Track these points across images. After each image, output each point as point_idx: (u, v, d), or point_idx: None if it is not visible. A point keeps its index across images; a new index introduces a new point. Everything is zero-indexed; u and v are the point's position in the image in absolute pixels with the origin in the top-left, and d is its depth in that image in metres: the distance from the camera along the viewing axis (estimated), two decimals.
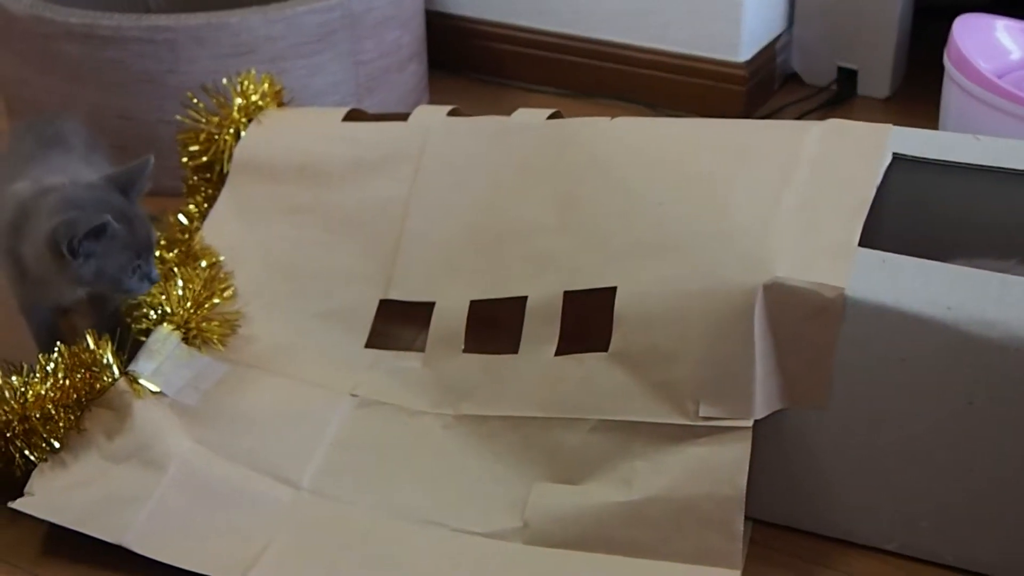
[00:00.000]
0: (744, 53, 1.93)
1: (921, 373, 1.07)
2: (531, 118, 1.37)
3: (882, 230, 1.16)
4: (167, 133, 1.72)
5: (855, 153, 1.22)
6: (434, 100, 2.00)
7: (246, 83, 1.47)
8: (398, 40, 1.89)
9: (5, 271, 1.30)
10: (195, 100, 1.47)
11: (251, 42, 1.70)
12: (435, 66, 2.05)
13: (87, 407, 1.22)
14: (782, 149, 1.23)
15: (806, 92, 2.00)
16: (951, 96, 1.66)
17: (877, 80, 1.97)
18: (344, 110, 1.46)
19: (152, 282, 1.25)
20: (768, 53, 1.98)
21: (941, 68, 1.67)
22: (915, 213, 1.25)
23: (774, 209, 1.16)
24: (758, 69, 1.95)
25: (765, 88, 1.99)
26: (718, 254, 1.14)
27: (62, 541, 1.17)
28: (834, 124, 1.27)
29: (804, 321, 1.08)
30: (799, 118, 1.91)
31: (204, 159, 1.45)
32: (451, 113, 1.42)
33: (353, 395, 1.27)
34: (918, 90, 1.91)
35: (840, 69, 1.99)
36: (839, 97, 1.98)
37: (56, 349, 1.23)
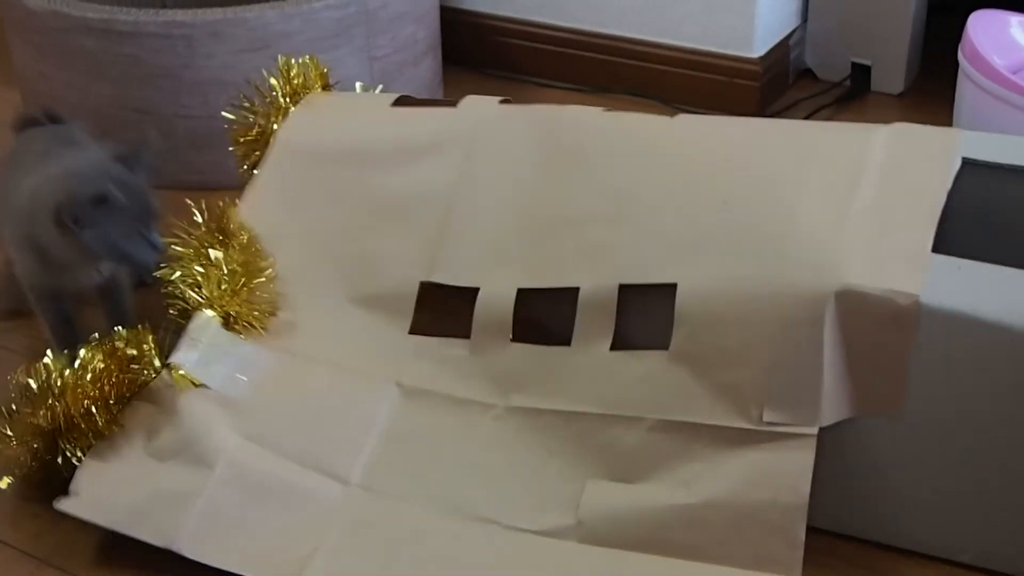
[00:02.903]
0: (758, 48, 1.93)
1: (998, 381, 1.05)
2: (584, 111, 1.36)
3: (954, 236, 1.13)
4: (184, 127, 1.74)
5: (924, 157, 1.20)
6: (449, 95, 2.00)
7: (288, 68, 1.45)
8: (413, 35, 1.89)
9: (24, 262, 1.31)
10: (243, 99, 1.44)
11: (267, 37, 1.71)
12: (450, 61, 2.06)
13: (129, 402, 1.20)
14: (849, 153, 1.21)
15: (820, 88, 2.01)
16: (965, 92, 1.66)
17: (891, 76, 1.97)
18: (393, 96, 1.44)
19: (157, 249, 1.26)
20: (782, 48, 1.98)
21: (955, 64, 1.67)
22: (985, 218, 1.21)
23: (844, 214, 1.14)
24: (772, 64, 1.95)
25: (779, 83, 1.99)
26: (787, 258, 1.12)
27: (108, 542, 1.16)
28: (901, 128, 1.25)
29: (877, 329, 1.07)
30: (813, 114, 1.91)
31: (258, 153, 1.42)
32: (502, 103, 1.40)
33: (399, 384, 1.24)
34: (932, 86, 1.91)
35: (854, 65, 1.99)
36: (853, 93, 1.98)
37: (93, 343, 1.22)
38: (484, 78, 2.09)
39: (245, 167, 1.44)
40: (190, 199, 1.32)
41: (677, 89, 1.97)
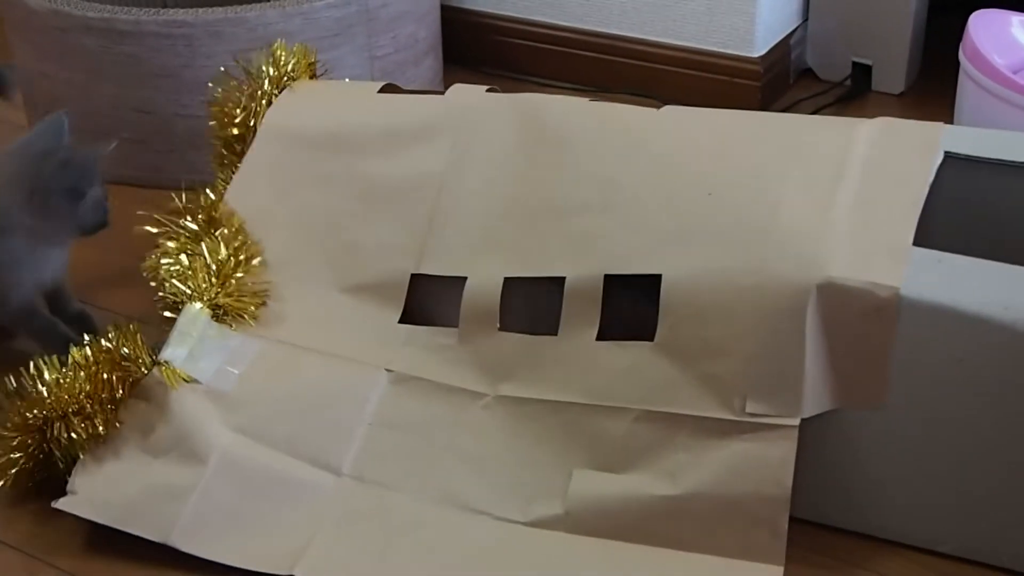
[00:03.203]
0: (759, 48, 1.93)
1: (979, 373, 1.05)
2: (570, 100, 1.36)
3: (935, 229, 1.14)
4: (184, 127, 1.74)
5: (907, 151, 1.21)
6: None
7: (279, 52, 1.44)
8: (414, 35, 1.89)
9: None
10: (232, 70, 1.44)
11: (268, 37, 1.70)
12: (450, 61, 2.06)
13: (123, 400, 1.20)
14: (833, 147, 1.22)
15: (820, 87, 2.00)
16: (966, 92, 1.66)
17: (892, 75, 1.97)
18: (379, 84, 1.44)
19: (106, 211, 1.33)
20: (783, 48, 1.98)
21: (956, 63, 1.67)
22: (967, 212, 1.22)
23: (827, 207, 1.15)
24: (773, 64, 1.95)
25: (780, 83, 1.99)
26: (770, 250, 1.13)
27: (103, 539, 1.16)
28: (885, 122, 1.25)
29: (859, 321, 1.07)
30: (814, 113, 1.91)
31: (235, 131, 1.41)
32: (488, 91, 1.40)
33: (389, 371, 1.24)
34: (933, 85, 1.91)
35: (855, 64, 1.99)
36: (853, 92, 1.98)
37: (86, 344, 1.22)
38: (485, 77, 2.09)
39: (219, 143, 1.42)
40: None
41: (678, 89, 1.96)
